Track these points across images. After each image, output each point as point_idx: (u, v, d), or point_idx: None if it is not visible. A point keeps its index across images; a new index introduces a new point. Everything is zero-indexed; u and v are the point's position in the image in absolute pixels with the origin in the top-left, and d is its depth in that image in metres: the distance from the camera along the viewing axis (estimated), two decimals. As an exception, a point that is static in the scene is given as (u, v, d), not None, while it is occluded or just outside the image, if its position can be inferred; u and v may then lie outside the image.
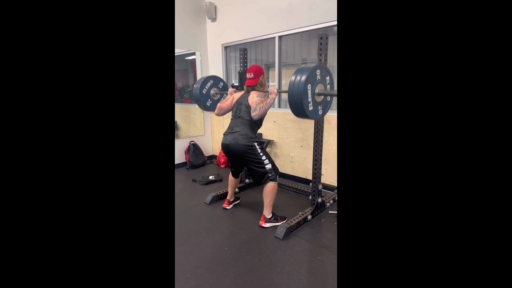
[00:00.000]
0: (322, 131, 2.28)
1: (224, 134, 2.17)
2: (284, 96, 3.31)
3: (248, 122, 2.09)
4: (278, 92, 1.97)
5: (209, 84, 2.54)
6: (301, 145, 3.06)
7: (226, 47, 3.70)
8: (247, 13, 3.26)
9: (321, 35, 2.00)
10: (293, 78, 1.59)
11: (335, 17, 2.52)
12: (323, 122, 2.26)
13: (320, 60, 2.02)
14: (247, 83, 2.18)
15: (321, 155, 2.28)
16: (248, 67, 2.82)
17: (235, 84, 2.77)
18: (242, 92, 2.23)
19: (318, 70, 1.63)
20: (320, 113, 1.77)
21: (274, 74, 3.21)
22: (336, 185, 2.81)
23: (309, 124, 2.88)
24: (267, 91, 2.05)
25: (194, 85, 2.53)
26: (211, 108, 2.56)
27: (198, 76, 3.88)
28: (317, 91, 1.66)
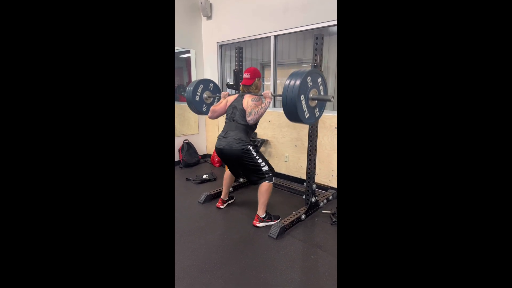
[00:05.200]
0: (317, 131, 2.29)
1: (218, 138, 2.17)
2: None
3: (242, 126, 2.10)
4: (272, 96, 1.97)
5: (200, 89, 2.53)
6: (295, 145, 3.06)
7: (221, 46, 3.68)
8: (242, 11, 3.25)
9: (316, 35, 2.00)
10: (284, 95, 1.58)
11: (330, 18, 2.53)
12: (317, 122, 2.26)
13: (315, 60, 2.02)
14: (242, 82, 2.18)
15: (315, 154, 2.29)
16: (243, 66, 2.81)
17: (230, 83, 2.76)
18: (236, 95, 2.24)
19: (308, 77, 1.61)
20: (317, 116, 1.77)
21: (269, 73, 3.20)
22: (329, 184, 2.82)
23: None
24: (262, 95, 2.05)
25: (186, 93, 2.52)
26: (207, 113, 2.56)
27: (193, 75, 3.85)
28: (311, 95, 1.65)
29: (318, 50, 2.01)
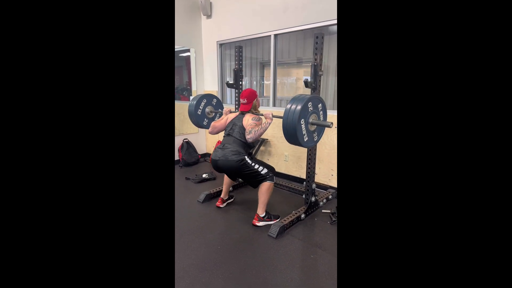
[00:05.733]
0: (317, 130, 2.29)
1: (214, 150, 2.19)
2: (279, 94, 3.31)
3: (240, 142, 2.12)
4: (273, 117, 2.02)
5: (203, 103, 2.58)
6: (295, 144, 3.06)
7: (221, 45, 3.67)
8: (242, 10, 3.24)
9: (316, 34, 1.99)
10: (285, 117, 1.63)
11: (330, 17, 2.52)
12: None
13: (315, 60, 2.01)
14: (241, 109, 2.24)
15: (315, 154, 2.29)
16: (243, 65, 2.81)
17: (230, 82, 2.75)
18: (237, 113, 2.28)
19: (309, 103, 1.67)
20: (315, 140, 1.83)
21: (269, 72, 3.20)
22: (329, 184, 2.82)
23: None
24: (262, 114, 2.11)
25: (188, 106, 2.58)
26: (207, 127, 2.61)
27: (193, 74, 3.85)
28: (310, 120, 1.71)
29: (318, 49, 2.00)
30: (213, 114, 2.66)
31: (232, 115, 2.28)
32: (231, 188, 2.76)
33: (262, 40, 3.25)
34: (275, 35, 3.03)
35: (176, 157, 3.76)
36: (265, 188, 2.10)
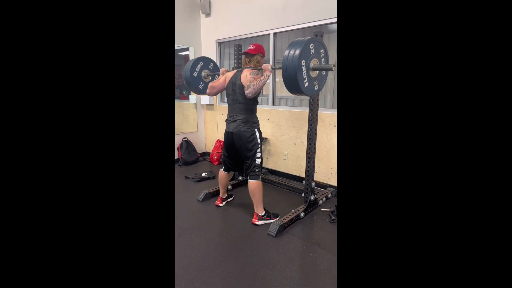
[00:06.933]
0: (316, 129, 2.29)
1: (226, 122, 2.18)
2: (279, 93, 3.30)
3: (245, 106, 2.07)
4: (272, 68, 1.93)
5: (199, 66, 2.46)
6: (294, 143, 3.06)
7: (220, 43, 3.67)
8: (242, 9, 3.23)
9: (316, 32, 1.99)
10: (286, 52, 1.56)
11: (330, 15, 2.52)
12: (316, 120, 2.26)
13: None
14: (247, 51, 2.14)
15: (314, 153, 2.29)
16: (242, 64, 2.80)
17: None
18: (234, 71, 2.18)
19: (311, 44, 1.59)
20: (316, 89, 1.74)
21: (268, 71, 3.19)
22: (328, 182, 2.82)
23: (303, 122, 2.88)
24: (261, 68, 2.02)
25: (184, 68, 2.44)
26: (204, 91, 2.49)
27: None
28: (311, 65, 1.63)
29: (317, 48, 1.99)
30: (210, 77, 2.54)
31: (230, 74, 2.18)
32: (230, 187, 2.77)
33: (262, 38, 3.25)
34: (274, 34, 3.03)
35: (176, 156, 3.76)
36: (253, 187, 2.10)
